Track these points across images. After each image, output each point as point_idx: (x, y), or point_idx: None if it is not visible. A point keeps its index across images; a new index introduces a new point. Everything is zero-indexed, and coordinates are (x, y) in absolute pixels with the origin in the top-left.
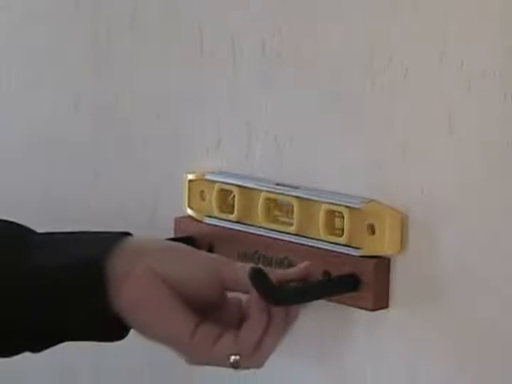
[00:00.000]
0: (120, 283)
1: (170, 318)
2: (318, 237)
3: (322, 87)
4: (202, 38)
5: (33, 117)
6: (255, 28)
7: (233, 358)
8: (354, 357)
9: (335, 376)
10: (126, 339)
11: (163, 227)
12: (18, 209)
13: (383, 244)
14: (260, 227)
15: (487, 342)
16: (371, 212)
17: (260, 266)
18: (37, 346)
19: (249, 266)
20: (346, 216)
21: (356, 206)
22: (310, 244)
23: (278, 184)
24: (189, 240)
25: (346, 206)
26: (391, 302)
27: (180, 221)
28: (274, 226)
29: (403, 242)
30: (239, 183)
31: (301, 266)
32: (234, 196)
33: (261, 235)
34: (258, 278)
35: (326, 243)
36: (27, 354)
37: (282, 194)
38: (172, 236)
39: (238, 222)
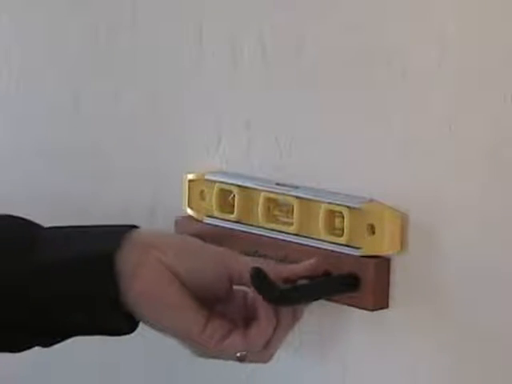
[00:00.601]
0: (131, 276)
1: (182, 311)
2: (317, 237)
3: (322, 87)
4: (201, 38)
5: (33, 116)
6: (255, 28)
7: (239, 353)
8: (354, 357)
9: (335, 376)
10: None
11: (163, 227)
12: (17, 209)
13: (383, 244)
14: (260, 227)
15: (487, 342)
16: (371, 212)
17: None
18: (47, 341)
19: (254, 259)
20: (345, 216)
21: (356, 206)
22: (310, 244)
23: (278, 184)
24: None
25: (346, 206)
26: (391, 302)
27: (180, 221)
28: (273, 226)
29: (403, 242)
30: (239, 183)
31: (307, 263)
32: (234, 196)
33: (261, 235)
34: (259, 278)
35: (326, 243)
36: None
37: (282, 193)
38: None
39: (237, 222)
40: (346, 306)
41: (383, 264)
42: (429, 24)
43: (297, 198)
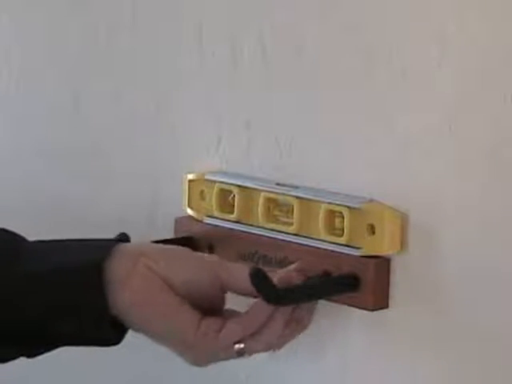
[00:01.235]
0: (121, 284)
1: (174, 316)
2: (318, 237)
3: (322, 87)
4: (201, 38)
5: (33, 116)
6: (255, 28)
7: (237, 346)
8: (354, 357)
9: (335, 376)
10: None
11: (163, 227)
12: (17, 208)
13: (383, 244)
14: (260, 227)
15: (487, 341)
16: (371, 212)
17: (260, 266)
18: (32, 351)
19: (246, 267)
20: (345, 216)
21: (356, 206)
22: (310, 244)
23: (278, 184)
24: (189, 240)
25: (346, 206)
26: (391, 302)
27: (180, 221)
28: (273, 226)
29: (403, 242)
30: (239, 183)
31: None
32: (234, 196)
33: (261, 235)
34: (258, 278)
35: (326, 243)
36: None
37: (282, 193)
38: (172, 236)
39: (237, 222)
40: (346, 306)
41: (383, 264)
42: (429, 24)
43: (297, 197)
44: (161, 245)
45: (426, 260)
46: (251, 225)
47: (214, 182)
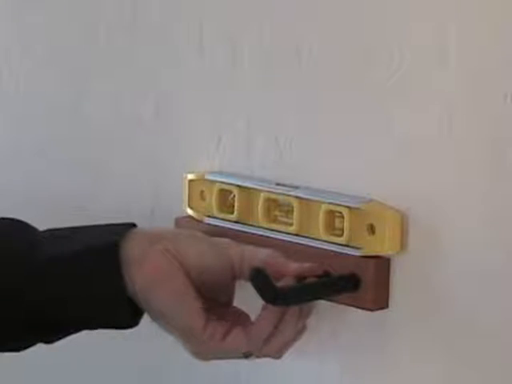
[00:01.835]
0: (137, 264)
1: (186, 299)
2: (318, 237)
3: (322, 87)
4: (201, 38)
5: (33, 116)
6: (255, 28)
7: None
8: (354, 357)
9: (335, 376)
10: None
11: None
12: (17, 208)
13: (383, 244)
14: (260, 227)
15: (487, 341)
16: (371, 212)
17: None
18: (50, 337)
19: (260, 249)
20: (346, 216)
21: (356, 206)
22: (310, 244)
23: (278, 184)
24: None
25: (346, 206)
26: (391, 302)
27: (180, 221)
28: (273, 226)
29: (403, 242)
30: (239, 183)
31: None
32: (234, 196)
33: (261, 235)
34: (258, 278)
35: (326, 243)
36: None
37: (282, 193)
38: None
39: (237, 222)
40: (345, 306)
41: (383, 264)
42: (429, 24)
43: (297, 197)
44: (176, 229)
45: (426, 260)
46: (251, 225)
47: (214, 181)
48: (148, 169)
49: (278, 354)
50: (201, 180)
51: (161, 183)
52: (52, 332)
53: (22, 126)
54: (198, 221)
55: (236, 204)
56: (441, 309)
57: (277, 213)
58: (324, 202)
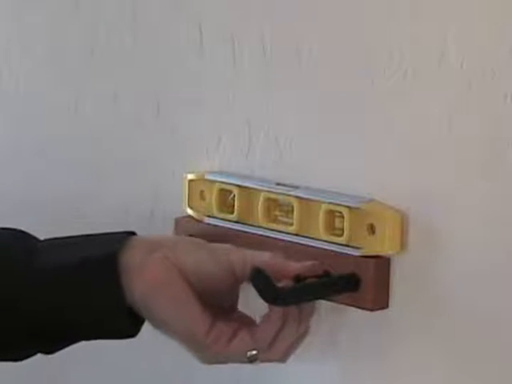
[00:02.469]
0: (136, 272)
1: (187, 307)
2: (318, 237)
3: (322, 87)
4: (201, 38)
5: (33, 116)
6: (255, 28)
7: (249, 353)
8: (354, 357)
9: (335, 376)
10: None
11: (163, 227)
12: (17, 209)
13: (383, 244)
14: (260, 227)
15: (487, 342)
16: (371, 212)
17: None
18: (50, 347)
19: (261, 253)
20: (346, 216)
21: (356, 206)
22: (310, 244)
23: (278, 184)
24: None
25: (346, 206)
26: (391, 302)
27: (180, 221)
28: (274, 226)
29: (403, 242)
30: (239, 183)
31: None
32: (234, 196)
33: (261, 235)
34: (259, 278)
35: (326, 243)
36: None
37: (282, 193)
38: None
39: (237, 222)
40: (346, 306)
41: (383, 264)
42: (429, 24)
43: (297, 197)
44: (175, 236)
45: (426, 260)
46: (251, 225)
47: (214, 181)
48: (148, 169)
49: (282, 358)
50: (201, 180)
51: (161, 183)
52: (51, 342)
53: (22, 126)
54: (198, 221)
55: (236, 204)
56: (441, 309)
57: (277, 213)
58: (324, 202)
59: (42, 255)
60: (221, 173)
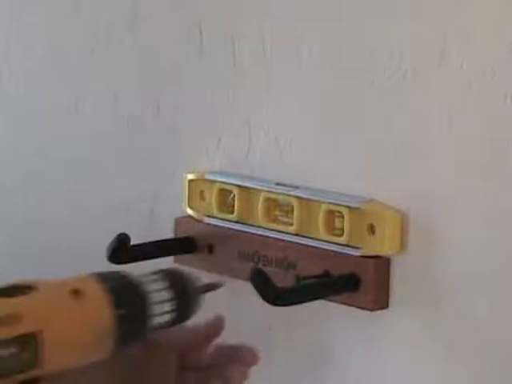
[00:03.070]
0: None
1: None
2: (318, 237)
3: (322, 87)
4: (201, 38)
5: (33, 116)
6: (255, 28)
7: None
8: (354, 357)
9: (335, 376)
10: None
11: (163, 227)
12: (17, 209)
13: (383, 244)
14: (260, 227)
15: (487, 341)
16: (371, 212)
17: (260, 265)
18: None
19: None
20: (345, 216)
21: (356, 206)
22: (310, 244)
23: (278, 184)
24: (189, 240)
25: (346, 206)
26: (391, 302)
27: (180, 221)
28: (274, 226)
29: (403, 242)
30: (239, 183)
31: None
32: (234, 196)
33: (261, 235)
34: (258, 279)
35: (325, 243)
36: None
37: (282, 193)
38: (172, 236)
39: (237, 222)
40: (345, 306)
41: (383, 264)
42: (429, 24)
43: (297, 197)
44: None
45: (426, 260)
46: (251, 225)
47: (214, 181)
48: (148, 169)
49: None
50: (201, 180)
51: (161, 183)
52: None
53: (22, 126)
54: (198, 221)
55: (236, 204)
56: (440, 308)
57: (277, 213)
58: (324, 202)
59: None
60: (221, 173)
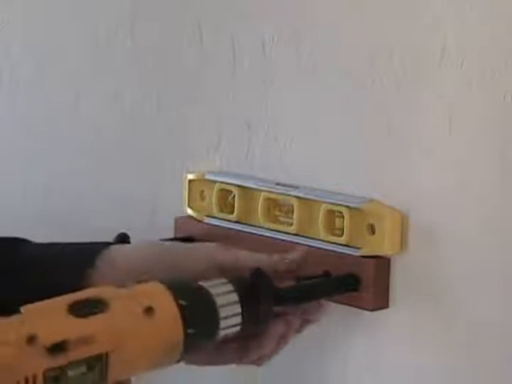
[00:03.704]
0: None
1: None
2: (318, 237)
3: (322, 87)
4: (202, 38)
5: (33, 116)
6: (255, 28)
7: None
8: (354, 357)
9: (335, 376)
10: None
11: (163, 227)
12: (18, 207)
13: (383, 244)
14: (260, 227)
15: (487, 341)
16: (371, 212)
17: None
18: None
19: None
20: (346, 216)
21: (356, 206)
22: (310, 244)
23: (278, 184)
24: (189, 240)
25: (346, 206)
26: (391, 302)
27: (180, 221)
28: (274, 226)
29: (403, 242)
30: (239, 183)
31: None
32: (234, 196)
33: (261, 235)
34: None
35: (326, 243)
36: None
37: (282, 194)
38: (172, 236)
39: (237, 222)
40: (345, 306)
41: (383, 264)
42: (429, 24)
43: (297, 198)
44: (152, 247)
45: (425, 260)
46: (251, 225)
47: (214, 181)
48: (148, 169)
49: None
50: (201, 180)
51: (161, 183)
52: None
53: (23, 126)
54: (198, 221)
55: (236, 204)
56: (440, 308)
57: (277, 213)
58: (324, 202)
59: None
60: (221, 173)
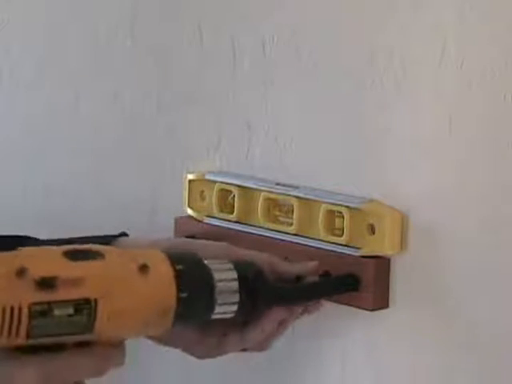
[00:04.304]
0: None
1: None
2: (318, 237)
3: (322, 87)
4: (202, 38)
5: (33, 116)
6: (255, 28)
7: None
8: (354, 357)
9: (335, 376)
10: None
11: (163, 227)
12: (18, 207)
13: (383, 244)
14: (260, 227)
15: (487, 341)
16: (371, 212)
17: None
18: None
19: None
20: (346, 216)
21: (356, 206)
22: (310, 244)
23: (278, 184)
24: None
25: (346, 206)
26: (391, 302)
27: (180, 221)
28: (274, 226)
29: (403, 242)
30: (239, 183)
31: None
32: (234, 196)
33: (261, 235)
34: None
35: (325, 243)
36: None
37: (282, 193)
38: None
39: (237, 222)
40: (345, 306)
41: (383, 264)
42: (429, 24)
43: (297, 198)
44: (166, 238)
45: (425, 260)
46: (251, 225)
47: (214, 181)
48: (148, 169)
49: (259, 348)
50: (201, 180)
51: (161, 183)
52: None
53: (23, 126)
54: (198, 221)
55: (236, 204)
56: (440, 308)
57: (277, 213)
58: (324, 202)
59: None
60: (221, 173)
